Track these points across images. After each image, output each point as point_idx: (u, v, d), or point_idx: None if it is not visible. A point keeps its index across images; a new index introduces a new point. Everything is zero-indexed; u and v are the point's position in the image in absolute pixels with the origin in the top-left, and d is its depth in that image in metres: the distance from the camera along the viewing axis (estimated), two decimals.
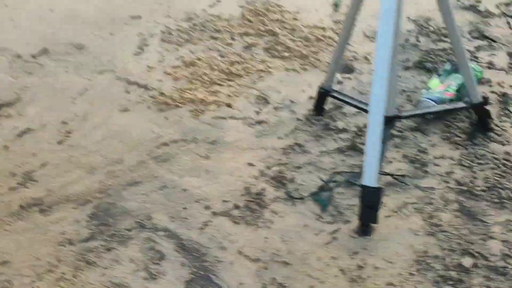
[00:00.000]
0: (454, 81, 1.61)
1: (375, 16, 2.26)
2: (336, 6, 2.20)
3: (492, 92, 1.68)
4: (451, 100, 1.56)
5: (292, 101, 1.80)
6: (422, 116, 1.55)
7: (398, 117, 1.43)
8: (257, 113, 1.77)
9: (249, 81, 1.94)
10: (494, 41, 1.91)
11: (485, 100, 1.46)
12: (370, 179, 1.22)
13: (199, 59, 2.09)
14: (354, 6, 1.39)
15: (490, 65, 1.79)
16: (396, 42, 1.27)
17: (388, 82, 1.35)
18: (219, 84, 1.94)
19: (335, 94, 1.59)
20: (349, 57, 1.96)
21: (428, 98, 1.57)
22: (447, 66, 1.69)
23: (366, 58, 1.95)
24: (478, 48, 1.89)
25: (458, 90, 1.59)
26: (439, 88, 1.61)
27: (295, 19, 2.29)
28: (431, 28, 2.05)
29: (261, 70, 1.98)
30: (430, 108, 1.51)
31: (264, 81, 1.92)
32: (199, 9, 2.50)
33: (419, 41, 1.99)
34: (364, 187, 1.23)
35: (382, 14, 1.17)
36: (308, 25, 2.22)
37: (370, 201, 1.24)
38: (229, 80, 1.96)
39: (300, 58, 2.02)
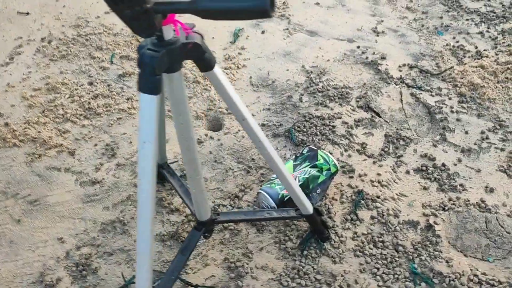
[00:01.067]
0: (304, 173, 1.36)
1: (264, 58, 1.96)
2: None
3: (349, 186, 1.43)
4: (291, 198, 1.32)
5: None
6: (241, 222, 1.30)
7: (213, 222, 1.18)
8: (97, 169, 1.49)
9: (106, 122, 1.64)
10: (378, 116, 1.64)
11: (317, 212, 1.22)
12: None
13: (64, 84, 1.78)
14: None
15: (361, 149, 1.53)
16: (194, 148, 1.00)
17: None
18: (73, 122, 1.65)
19: (164, 172, 1.33)
20: (222, 109, 1.68)
21: (265, 192, 1.32)
22: (305, 151, 1.43)
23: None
24: (357, 123, 1.62)
25: (304, 186, 1.34)
26: None
27: None
28: (320, 86, 1.76)
29: (123, 110, 1.69)
30: (249, 214, 1.25)
31: (121, 126, 1.63)
32: (93, 14, 2.14)
33: (302, 101, 1.71)
34: None
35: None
36: None
37: None
38: (85, 117, 1.67)
39: None
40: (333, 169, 1.37)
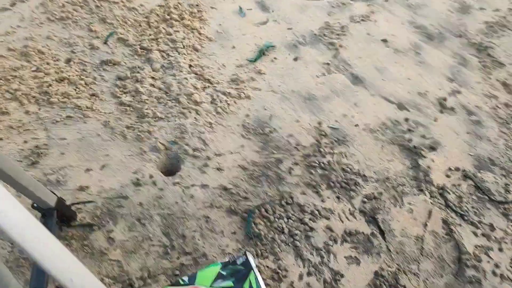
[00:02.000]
0: None
1: (278, 94, 1.42)
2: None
3: None
4: None
5: (58, 181, 1.13)
6: None
7: None
8: None
9: (52, 117, 1.24)
10: (382, 236, 1.03)
11: None
12: None
13: (41, 53, 1.41)
14: None
15: (331, 282, 0.97)
16: None
17: None
18: (20, 103, 1.27)
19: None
20: (188, 149, 1.20)
21: None
22: (240, 261, 0.93)
23: (189, 148, 1.18)
24: (347, 236, 1.05)
25: None
26: None
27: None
28: (327, 159, 1.21)
29: (78, 108, 1.29)
30: None
31: (65, 128, 1.21)
32: None
33: (291, 173, 1.17)
34: None
35: None
36: (186, 91, 1.43)
37: None
38: (35, 102, 1.28)
39: (136, 112, 1.29)
40: None
